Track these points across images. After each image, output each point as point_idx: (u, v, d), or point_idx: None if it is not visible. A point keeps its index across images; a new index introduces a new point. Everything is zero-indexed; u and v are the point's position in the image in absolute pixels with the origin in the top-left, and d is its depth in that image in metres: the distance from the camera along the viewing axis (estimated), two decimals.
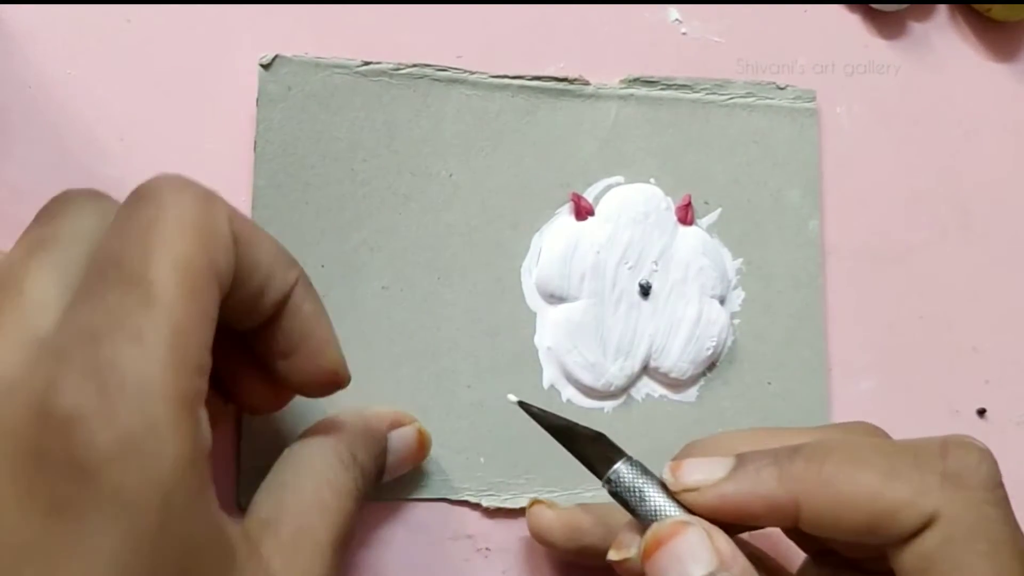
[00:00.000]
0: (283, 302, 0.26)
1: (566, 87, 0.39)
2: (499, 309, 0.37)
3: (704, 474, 0.28)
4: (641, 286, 0.38)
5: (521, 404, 0.31)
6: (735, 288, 0.40)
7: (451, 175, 0.37)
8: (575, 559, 0.35)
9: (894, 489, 0.26)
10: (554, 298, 0.38)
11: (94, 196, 0.25)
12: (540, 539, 0.34)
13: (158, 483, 0.20)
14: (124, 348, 0.20)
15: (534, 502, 0.34)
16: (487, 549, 0.36)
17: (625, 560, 0.29)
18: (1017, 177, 0.45)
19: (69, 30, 0.35)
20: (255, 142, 0.35)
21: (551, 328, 0.37)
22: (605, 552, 0.30)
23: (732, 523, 0.28)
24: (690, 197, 0.39)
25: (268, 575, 0.24)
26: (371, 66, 0.37)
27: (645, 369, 0.38)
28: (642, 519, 0.28)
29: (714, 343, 0.39)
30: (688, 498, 0.28)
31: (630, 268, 0.38)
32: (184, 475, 0.20)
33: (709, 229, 0.40)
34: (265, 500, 0.27)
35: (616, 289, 0.38)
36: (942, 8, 0.45)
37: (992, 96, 0.45)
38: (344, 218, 0.36)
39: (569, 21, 0.40)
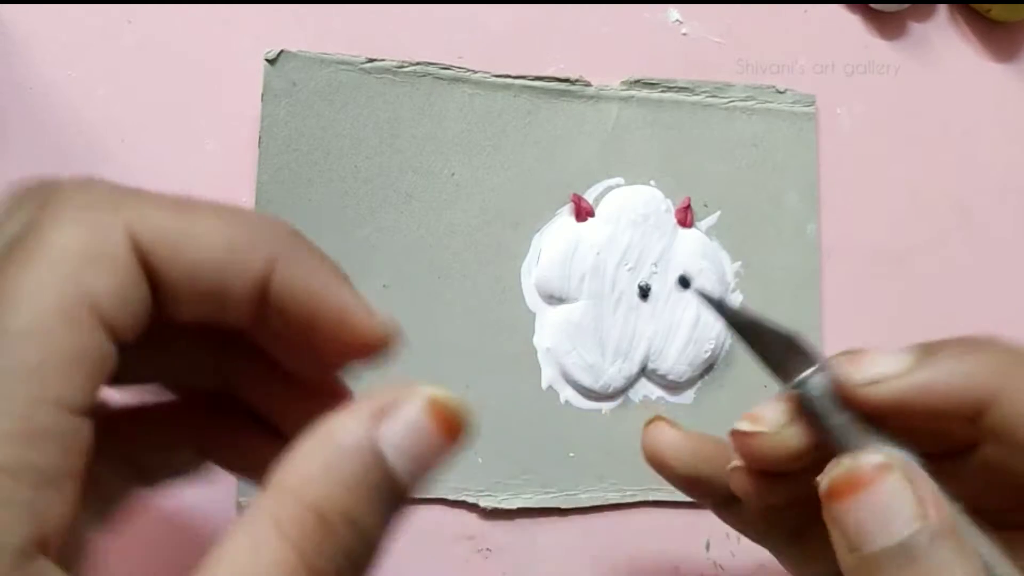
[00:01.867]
0: (262, 287, 0.21)
1: (568, 88, 0.39)
2: (499, 309, 0.37)
3: (889, 365, 0.24)
4: (640, 288, 0.38)
5: (700, 293, 0.27)
6: (734, 291, 0.40)
7: (453, 174, 0.37)
8: (683, 486, 0.30)
9: None
10: (553, 299, 0.38)
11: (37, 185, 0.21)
12: (654, 459, 0.30)
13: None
14: None
15: (656, 418, 0.30)
16: (487, 550, 0.36)
17: (756, 435, 0.25)
18: (1016, 177, 0.45)
19: (70, 31, 0.35)
20: (259, 137, 0.35)
21: (550, 329, 0.37)
22: (717, 487, 0.28)
23: (911, 423, 0.24)
24: (690, 200, 0.39)
25: None
26: (375, 63, 0.37)
27: (643, 371, 0.38)
28: (835, 441, 0.24)
29: (712, 346, 0.39)
30: (870, 392, 0.24)
31: (629, 270, 0.38)
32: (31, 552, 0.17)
33: (708, 232, 0.40)
34: None
35: (615, 291, 0.38)
36: (942, 8, 0.45)
37: (992, 96, 0.45)
38: (346, 215, 0.36)
39: (570, 21, 0.40)
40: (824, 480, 0.23)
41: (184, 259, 0.20)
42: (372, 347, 0.22)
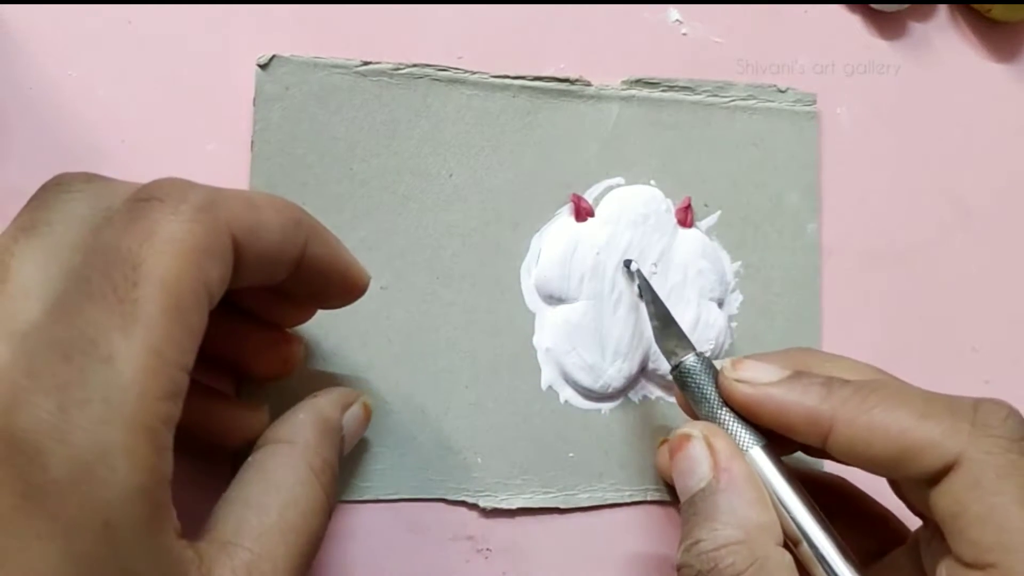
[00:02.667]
0: (298, 260, 0.27)
1: (567, 88, 0.39)
2: (498, 310, 0.37)
3: (759, 374, 0.31)
4: (640, 288, 0.38)
5: (638, 273, 0.37)
6: (733, 291, 0.40)
7: (451, 175, 0.37)
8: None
9: (925, 428, 0.28)
10: (553, 299, 0.38)
11: (88, 179, 0.26)
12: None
13: (101, 510, 0.20)
14: (94, 368, 0.20)
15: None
16: (487, 550, 0.36)
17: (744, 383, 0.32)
18: (1017, 177, 0.45)
19: (69, 31, 0.35)
20: (252, 142, 0.35)
21: (550, 329, 0.37)
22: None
23: (767, 426, 0.31)
24: (690, 199, 0.39)
25: None
26: (370, 66, 0.37)
27: (643, 371, 0.38)
28: (697, 410, 0.33)
29: (712, 346, 0.39)
30: (736, 388, 0.31)
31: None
32: (132, 504, 0.20)
33: (708, 232, 0.40)
34: (226, 519, 0.26)
35: (615, 291, 0.38)
36: (942, 8, 0.45)
37: (992, 96, 0.45)
38: (343, 218, 0.36)
39: (570, 21, 0.40)
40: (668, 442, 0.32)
41: (258, 245, 0.25)
42: (362, 290, 0.31)
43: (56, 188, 0.25)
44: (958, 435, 0.27)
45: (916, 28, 0.45)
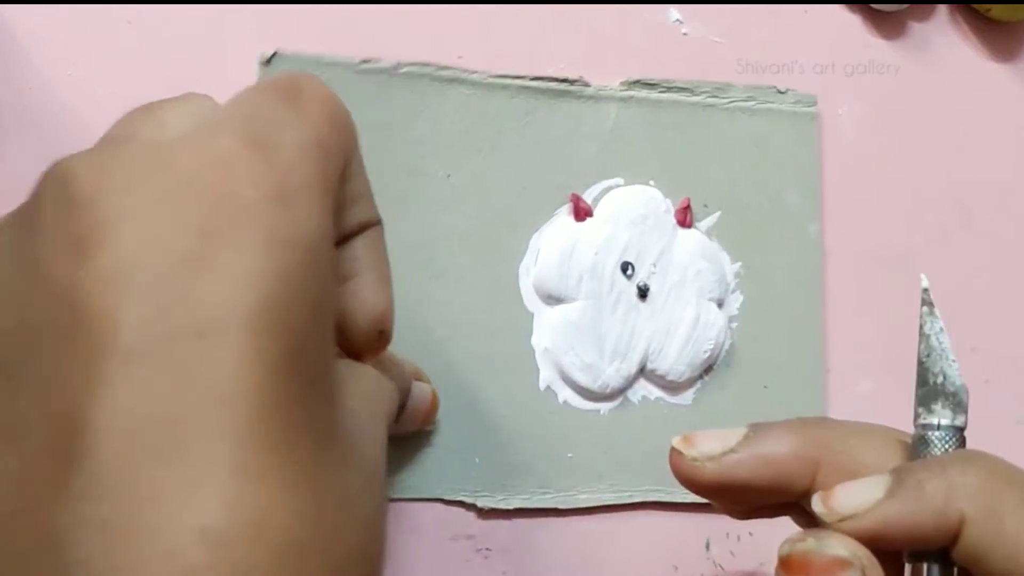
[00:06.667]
0: (362, 228, 0.26)
1: (566, 88, 0.39)
2: (496, 309, 0.37)
3: (861, 497, 0.25)
4: (639, 288, 0.38)
5: (925, 293, 0.31)
6: (733, 292, 0.40)
7: (449, 175, 0.37)
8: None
9: None
10: (552, 299, 0.38)
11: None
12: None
13: (308, 236, 0.19)
14: (281, 129, 0.21)
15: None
16: (487, 550, 0.36)
17: (704, 460, 0.27)
18: (1017, 177, 0.45)
19: (69, 31, 0.35)
20: None
21: (548, 329, 0.37)
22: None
23: (889, 548, 0.25)
24: (689, 200, 0.39)
25: (354, 409, 0.23)
26: (370, 64, 0.37)
27: (642, 371, 0.38)
28: None
29: (711, 346, 0.39)
30: (845, 527, 0.25)
31: (629, 276, 0.38)
32: (327, 241, 0.20)
33: (708, 232, 0.40)
34: None
35: (614, 291, 0.38)
36: (942, 8, 0.45)
37: (992, 96, 0.45)
38: None
39: (569, 21, 0.40)
40: (785, 547, 0.25)
41: (351, 168, 0.25)
42: (379, 322, 0.27)
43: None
44: None
45: (916, 28, 0.45)
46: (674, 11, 0.42)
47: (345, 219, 0.25)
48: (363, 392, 0.25)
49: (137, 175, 0.18)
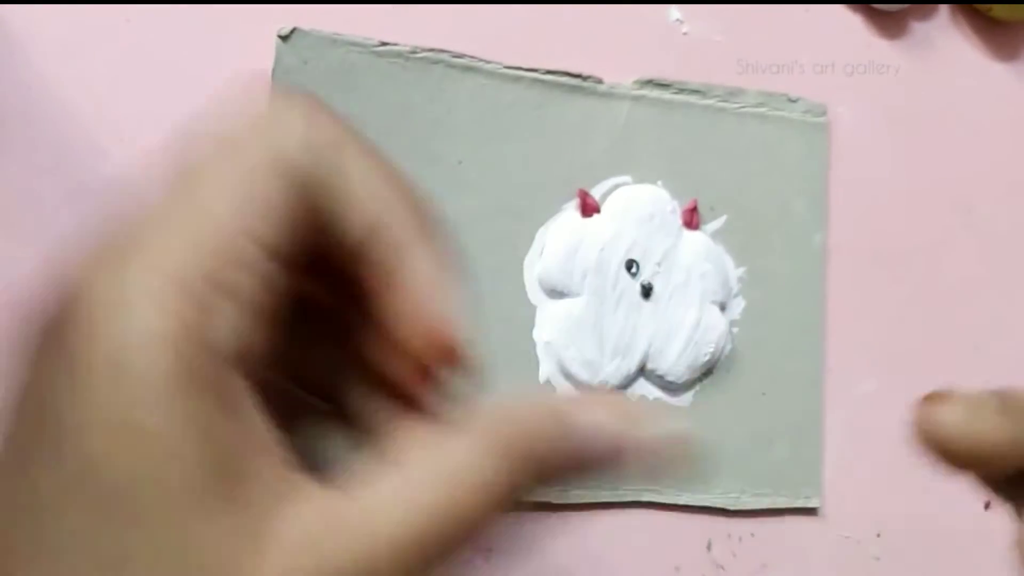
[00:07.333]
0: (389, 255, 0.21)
1: (579, 84, 0.39)
2: (500, 300, 0.37)
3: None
4: (643, 286, 0.38)
5: None
6: (736, 296, 0.40)
7: (460, 162, 0.37)
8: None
9: None
10: (556, 293, 0.37)
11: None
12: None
13: (107, 348, 0.17)
14: (135, 221, 0.19)
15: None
16: (488, 550, 0.36)
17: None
18: (1018, 176, 0.45)
19: (69, 30, 0.35)
20: None
21: (550, 323, 0.37)
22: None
23: None
24: (696, 201, 0.39)
25: None
26: (388, 47, 0.37)
27: (642, 371, 0.38)
28: None
29: (712, 349, 0.38)
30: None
31: (633, 274, 0.38)
32: (147, 350, 0.17)
33: (713, 235, 0.40)
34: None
35: (618, 288, 0.38)
36: (943, 8, 0.45)
37: (993, 96, 0.45)
38: None
39: (569, 20, 0.40)
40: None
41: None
42: (438, 341, 0.22)
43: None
44: None
45: (917, 28, 0.45)
46: (674, 11, 0.42)
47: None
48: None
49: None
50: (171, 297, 0.18)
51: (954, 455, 0.22)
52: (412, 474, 0.19)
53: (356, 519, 0.18)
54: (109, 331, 0.17)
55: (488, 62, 0.38)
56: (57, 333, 0.18)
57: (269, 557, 0.17)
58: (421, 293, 0.21)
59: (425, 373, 0.22)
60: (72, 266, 0.18)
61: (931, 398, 0.23)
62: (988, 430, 0.22)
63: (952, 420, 0.22)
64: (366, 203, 0.21)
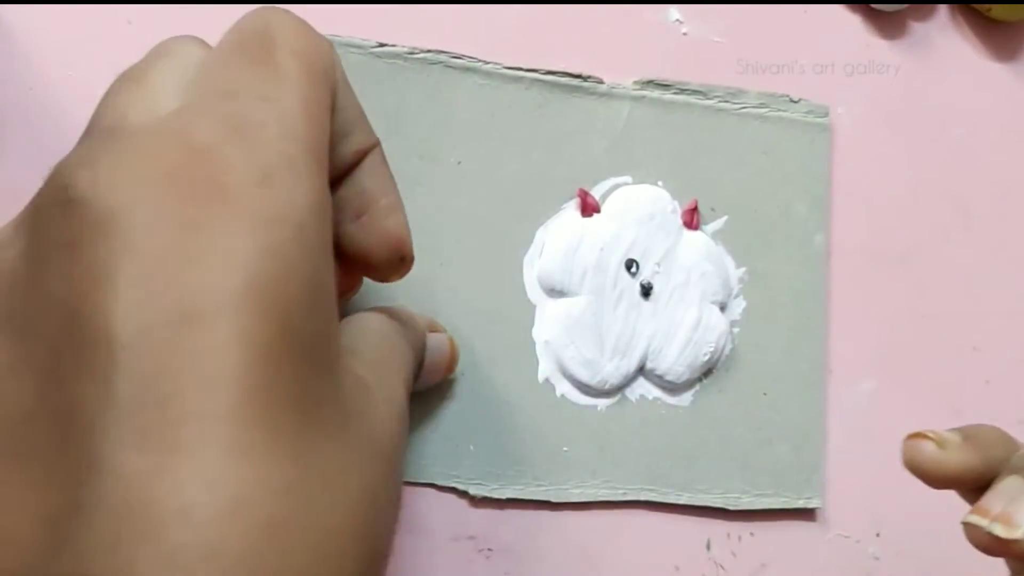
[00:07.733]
0: (360, 157, 0.27)
1: (579, 84, 0.39)
2: (499, 299, 0.37)
3: None
4: (643, 286, 0.38)
5: None
6: (736, 296, 0.40)
7: (459, 162, 0.37)
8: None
9: None
10: (555, 292, 0.37)
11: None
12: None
13: (295, 213, 0.19)
14: (258, 104, 0.21)
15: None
16: (489, 550, 0.36)
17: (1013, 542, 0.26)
18: (1018, 177, 0.45)
19: (69, 31, 0.35)
20: None
21: (550, 322, 0.37)
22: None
23: None
24: (697, 202, 0.39)
25: (361, 378, 0.23)
26: (386, 48, 0.37)
27: (641, 370, 0.38)
28: None
29: (711, 349, 0.38)
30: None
31: (633, 274, 0.38)
32: (317, 216, 0.20)
33: (714, 236, 0.40)
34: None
35: (617, 287, 0.38)
36: (942, 8, 0.45)
37: (992, 96, 0.45)
38: None
39: (569, 20, 0.40)
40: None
41: (340, 96, 0.25)
42: (398, 248, 0.28)
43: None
44: None
45: (916, 28, 0.45)
46: (674, 11, 0.42)
47: (341, 152, 0.26)
48: (373, 360, 0.25)
49: (124, 174, 0.19)
50: (318, 170, 0.21)
51: (932, 478, 0.28)
52: None
53: None
54: (286, 195, 0.20)
55: (487, 62, 0.38)
56: None
57: None
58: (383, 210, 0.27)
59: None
60: None
61: (912, 436, 0.28)
62: (953, 459, 0.28)
63: (927, 453, 0.28)
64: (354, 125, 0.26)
